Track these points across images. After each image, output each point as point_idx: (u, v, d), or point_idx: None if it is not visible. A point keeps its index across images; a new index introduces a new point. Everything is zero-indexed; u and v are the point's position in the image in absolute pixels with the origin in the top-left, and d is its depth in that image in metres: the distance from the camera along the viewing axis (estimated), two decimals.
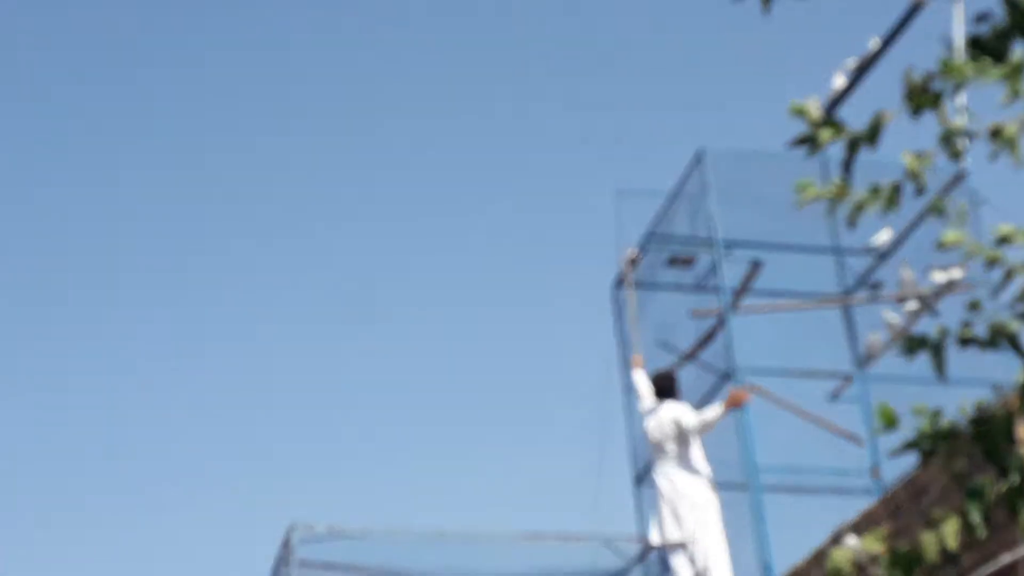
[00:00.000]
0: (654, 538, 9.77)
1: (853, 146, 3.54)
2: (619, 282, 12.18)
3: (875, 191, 3.61)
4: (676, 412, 9.75)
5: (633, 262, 11.85)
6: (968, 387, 7.51)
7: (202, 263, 26.48)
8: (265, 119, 26.38)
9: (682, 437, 9.64)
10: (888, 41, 7.62)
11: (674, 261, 11.67)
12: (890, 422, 3.53)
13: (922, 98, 3.60)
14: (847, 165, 3.54)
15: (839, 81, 7.73)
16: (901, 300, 11.19)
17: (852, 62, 7.83)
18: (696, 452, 9.72)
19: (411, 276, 26.35)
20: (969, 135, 3.69)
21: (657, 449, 9.81)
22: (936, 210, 3.82)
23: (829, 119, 3.60)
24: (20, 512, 24.67)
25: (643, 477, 11.59)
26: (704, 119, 23.94)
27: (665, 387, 10.07)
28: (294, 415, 25.91)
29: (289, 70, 26.32)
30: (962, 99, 3.68)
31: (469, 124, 26.61)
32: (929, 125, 3.70)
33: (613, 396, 11.84)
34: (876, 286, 11.55)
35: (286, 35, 26.20)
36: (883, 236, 11.32)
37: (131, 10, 25.64)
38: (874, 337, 11.33)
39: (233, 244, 26.52)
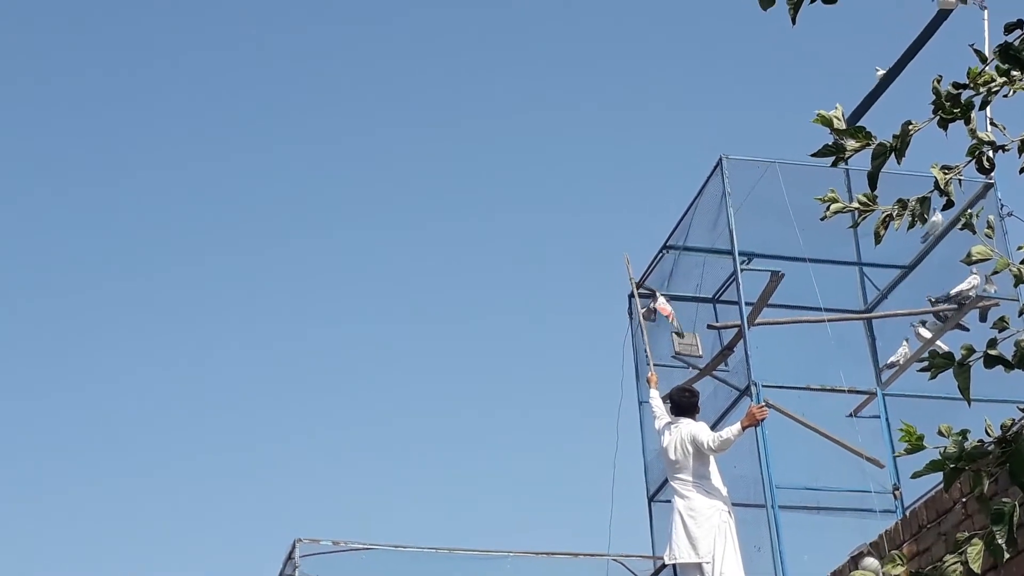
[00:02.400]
0: (668, 557, 9.72)
1: (879, 157, 3.52)
2: (633, 295, 12.16)
3: (902, 204, 3.59)
4: (694, 430, 9.67)
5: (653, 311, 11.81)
6: (993, 405, 7.49)
7: (210, 268, 26.53)
8: (282, 122, 26.42)
9: (699, 455, 9.58)
10: (915, 49, 7.60)
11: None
12: (914, 443, 3.51)
13: (951, 108, 3.58)
14: (873, 177, 3.53)
15: (878, 74, 7.64)
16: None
17: (879, 71, 7.81)
18: (713, 471, 9.67)
19: (421, 287, 26.36)
20: (998, 147, 3.68)
21: (673, 467, 9.75)
22: (964, 223, 3.81)
23: (854, 128, 3.58)
24: (22, 522, 24.70)
25: (657, 494, 11.57)
26: (724, 126, 23.92)
27: (683, 402, 10.00)
28: (301, 427, 25.92)
29: (309, 74, 26.39)
30: (990, 111, 3.67)
31: (474, 128, 26.61)
32: (956, 136, 3.68)
33: (628, 411, 11.82)
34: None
35: (313, 36, 26.25)
36: (936, 218, 11.07)
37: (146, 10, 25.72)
38: (902, 351, 11.30)
39: (244, 250, 26.56)
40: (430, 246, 26.28)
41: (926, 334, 11.16)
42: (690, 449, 9.64)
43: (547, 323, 25.73)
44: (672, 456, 9.76)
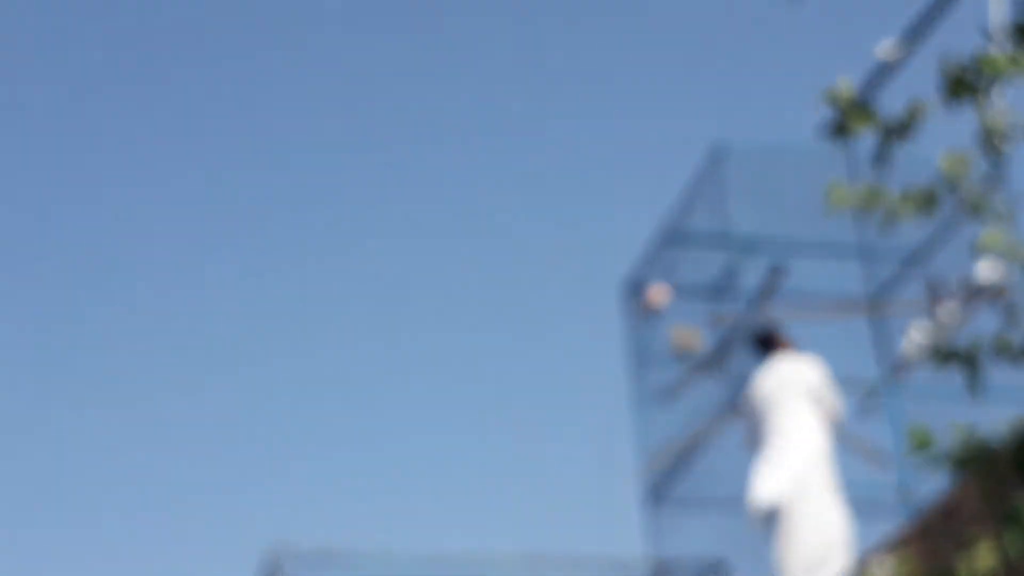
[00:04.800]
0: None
1: (887, 138, 3.54)
2: (630, 287, 12.18)
3: (910, 198, 3.62)
4: (811, 373, 8.72)
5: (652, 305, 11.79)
6: (1007, 401, 7.52)
7: (194, 272, 26.54)
8: (293, 130, 26.46)
9: (813, 399, 8.68)
10: (922, 29, 7.63)
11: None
12: (922, 444, 3.54)
13: (960, 90, 3.61)
14: (879, 159, 3.55)
15: (884, 50, 7.64)
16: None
17: (884, 49, 7.84)
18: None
19: (406, 289, 26.39)
20: (1009, 132, 3.70)
21: (768, 414, 8.82)
22: (974, 210, 3.83)
23: (862, 105, 3.60)
24: None
25: (651, 495, 11.60)
26: (722, 112, 23.96)
27: (768, 341, 9.21)
28: (281, 426, 25.94)
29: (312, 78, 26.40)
30: (1001, 94, 3.69)
31: (467, 118, 26.64)
32: (964, 118, 3.71)
33: (621, 408, 11.85)
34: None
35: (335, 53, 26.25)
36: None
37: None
38: (908, 347, 11.34)
39: (233, 255, 26.56)
40: (415, 250, 26.33)
41: (917, 336, 11.19)
42: (800, 389, 8.64)
43: (539, 319, 25.76)
44: (773, 397, 8.76)
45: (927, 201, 3.61)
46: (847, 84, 3.48)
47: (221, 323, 26.57)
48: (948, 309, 11.17)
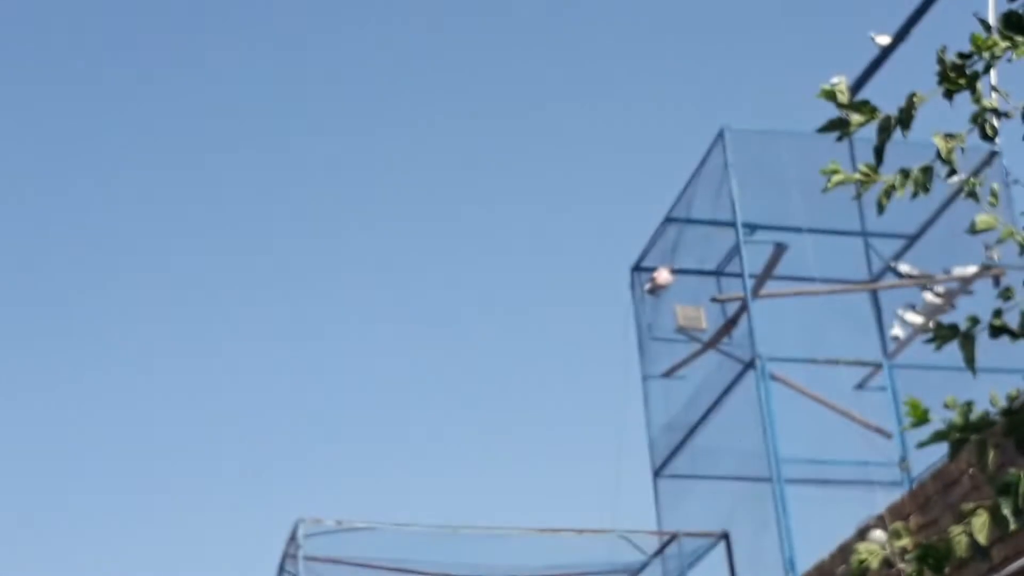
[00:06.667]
0: None
1: (885, 130, 3.58)
2: (637, 268, 12.23)
3: (905, 175, 3.65)
4: None
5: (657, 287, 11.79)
6: (1002, 376, 7.52)
7: (211, 258, 26.57)
8: (294, 119, 26.42)
9: None
10: (917, 17, 7.65)
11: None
12: (919, 418, 3.58)
13: (956, 79, 3.64)
14: (879, 151, 3.58)
15: (881, 39, 7.60)
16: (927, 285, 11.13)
17: (881, 38, 7.85)
18: None
19: (420, 271, 26.40)
20: (1002, 114, 3.73)
21: None
22: (968, 192, 3.86)
23: (859, 102, 3.63)
24: (23, 510, 24.82)
25: (662, 469, 11.65)
26: (725, 97, 23.93)
27: None
28: (303, 407, 26.01)
29: (312, 70, 26.39)
30: (994, 78, 3.72)
31: (473, 105, 26.62)
32: (960, 102, 3.73)
33: (632, 386, 11.90)
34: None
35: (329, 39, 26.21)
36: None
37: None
38: (901, 326, 11.36)
39: (246, 240, 26.57)
40: (425, 232, 26.33)
41: (913, 319, 11.21)
42: None
43: (549, 298, 25.79)
44: None
45: (923, 181, 3.64)
46: (843, 81, 3.51)
47: (244, 317, 26.67)
48: (941, 291, 11.20)
